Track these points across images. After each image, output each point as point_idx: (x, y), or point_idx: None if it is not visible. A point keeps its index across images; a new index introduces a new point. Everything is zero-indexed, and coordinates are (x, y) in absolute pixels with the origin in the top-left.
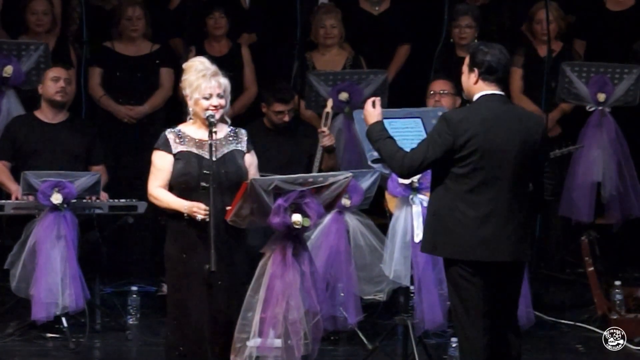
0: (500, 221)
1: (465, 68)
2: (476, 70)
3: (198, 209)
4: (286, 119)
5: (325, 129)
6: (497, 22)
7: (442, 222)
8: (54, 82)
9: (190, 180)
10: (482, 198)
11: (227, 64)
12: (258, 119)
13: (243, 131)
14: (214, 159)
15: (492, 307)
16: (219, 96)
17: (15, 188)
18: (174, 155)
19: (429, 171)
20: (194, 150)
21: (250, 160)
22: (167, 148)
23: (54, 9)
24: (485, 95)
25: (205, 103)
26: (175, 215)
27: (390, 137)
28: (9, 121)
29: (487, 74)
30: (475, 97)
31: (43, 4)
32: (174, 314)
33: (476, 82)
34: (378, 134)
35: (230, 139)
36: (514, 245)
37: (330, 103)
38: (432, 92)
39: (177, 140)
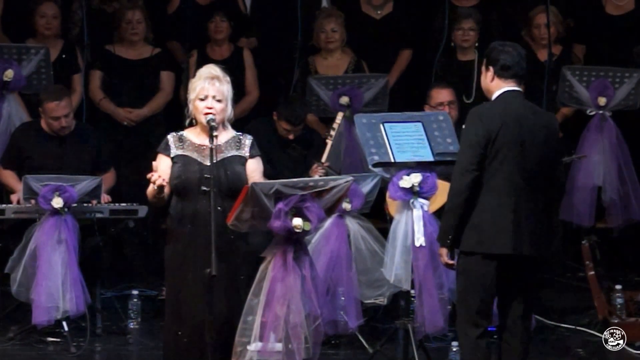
0: (522, 215)
1: (482, 68)
2: (492, 68)
3: (152, 177)
4: (291, 137)
5: (323, 161)
6: (486, 27)
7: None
8: (54, 121)
9: (185, 184)
10: (506, 191)
11: (228, 68)
12: (269, 117)
13: (248, 137)
14: (214, 161)
15: (504, 304)
16: (215, 99)
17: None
18: (172, 158)
19: (432, 175)
20: (192, 154)
21: (254, 167)
22: (166, 151)
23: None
24: (505, 91)
25: (200, 105)
26: (176, 219)
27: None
28: (15, 130)
29: (502, 70)
30: (495, 95)
31: (53, 8)
32: (173, 318)
33: (492, 80)
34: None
35: (232, 144)
36: (536, 240)
37: (340, 116)
38: (439, 103)
39: (178, 144)
